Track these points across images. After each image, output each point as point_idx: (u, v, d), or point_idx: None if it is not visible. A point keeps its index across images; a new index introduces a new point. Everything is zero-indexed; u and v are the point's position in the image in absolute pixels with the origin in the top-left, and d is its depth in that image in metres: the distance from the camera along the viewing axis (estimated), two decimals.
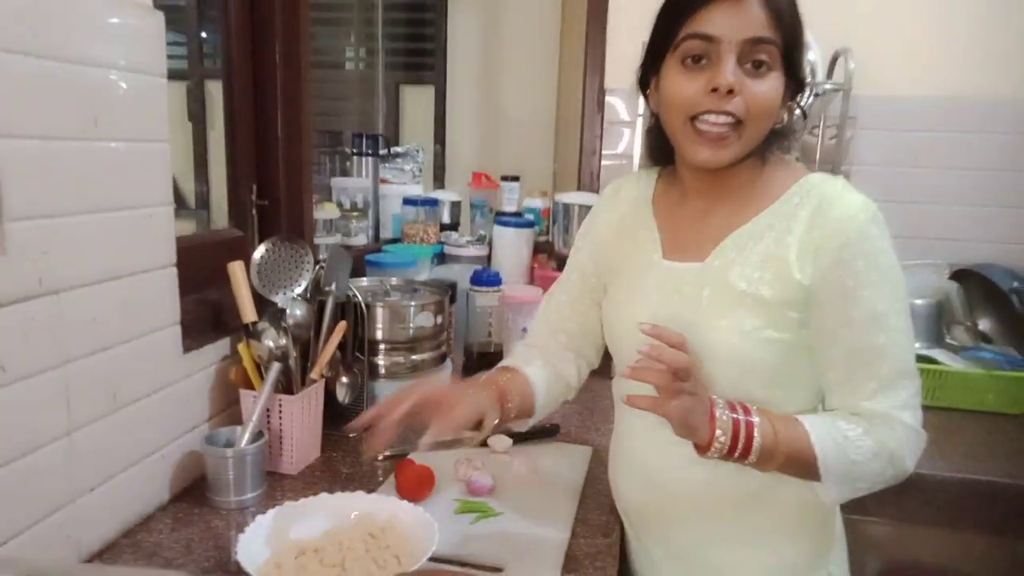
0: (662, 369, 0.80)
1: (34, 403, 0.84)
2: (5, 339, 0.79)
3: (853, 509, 1.34)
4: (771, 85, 0.86)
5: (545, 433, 1.36)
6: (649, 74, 0.93)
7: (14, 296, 0.80)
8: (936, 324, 1.77)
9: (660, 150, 0.98)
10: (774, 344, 0.88)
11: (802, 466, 0.86)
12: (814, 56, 1.85)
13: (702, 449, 0.85)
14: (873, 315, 0.84)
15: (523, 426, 1.09)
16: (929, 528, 1.39)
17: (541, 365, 1.08)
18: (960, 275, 1.83)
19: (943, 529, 1.38)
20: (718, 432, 0.83)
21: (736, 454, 0.84)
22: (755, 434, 0.84)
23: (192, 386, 1.13)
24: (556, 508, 1.10)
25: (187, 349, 1.11)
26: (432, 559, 0.87)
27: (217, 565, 0.93)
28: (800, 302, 0.86)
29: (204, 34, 1.65)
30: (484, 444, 1.29)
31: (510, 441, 1.30)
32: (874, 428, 0.86)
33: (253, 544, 0.85)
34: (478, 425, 0.93)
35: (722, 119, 0.85)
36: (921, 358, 1.56)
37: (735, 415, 0.85)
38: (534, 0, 2.70)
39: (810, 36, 1.84)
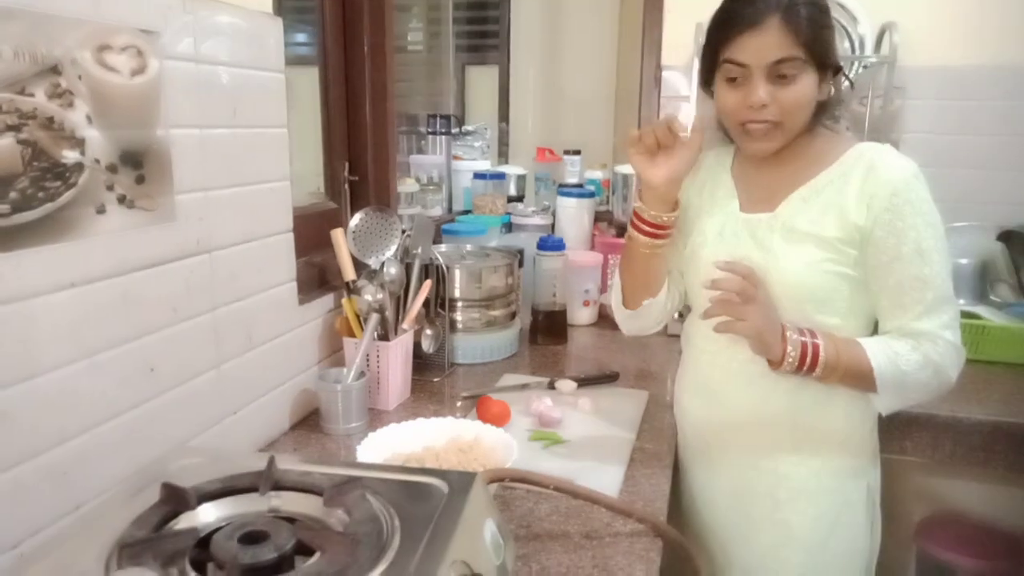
0: (727, 299, 1.00)
1: (195, 339, 1.05)
2: (175, 287, 1.00)
3: (891, 448, 1.46)
4: (800, 88, 1.02)
5: (606, 379, 1.53)
6: (708, 81, 1.11)
7: (180, 253, 1.01)
8: (981, 282, 1.87)
9: (728, 134, 1.14)
10: (833, 275, 1.05)
11: (860, 378, 1.04)
12: (863, 30, 1.94)
13: (775, 364, 1.04)
14: (919, 250, 1.01)
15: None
16: (961, 468, 1.50)
17: None
18: (1006, 236, 1.90)
19: (975, 469, 1.49)
20: (789, 349, 1.02)
21: (804, 368, 1.03)
22: (820, 352, 1.03)
23: (306, 333, 1.34)
24: (616, 438, 1.27)
25: (301, 302, 1.32)
26: None
27: None
28: (856, 241, 1.04)
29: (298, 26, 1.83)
30: (552, 387, 1.47)
31: (575, 384, 1.47)
32: (921, 344, 1.03)
33: (368, 452, 1.04)
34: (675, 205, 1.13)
35: (762, 125, 1.04)
36: (965, 314, 1.64)
37: (803, 338, 1.03)
38: None
39: (859, 9, 1.94)
